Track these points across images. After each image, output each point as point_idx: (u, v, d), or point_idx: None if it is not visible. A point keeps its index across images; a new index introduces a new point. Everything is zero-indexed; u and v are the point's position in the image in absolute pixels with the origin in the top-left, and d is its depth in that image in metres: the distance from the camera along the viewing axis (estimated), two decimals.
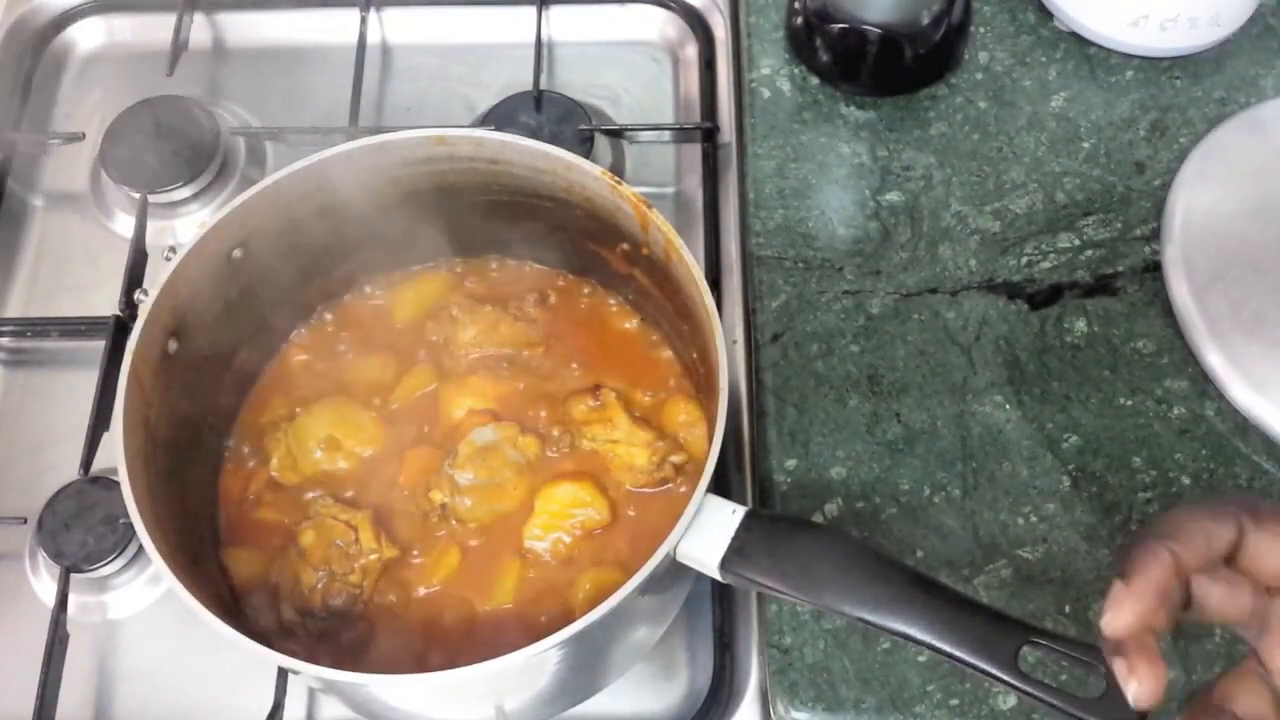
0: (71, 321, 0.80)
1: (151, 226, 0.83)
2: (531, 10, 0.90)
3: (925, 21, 0.81)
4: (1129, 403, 0.74)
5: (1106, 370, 0.75)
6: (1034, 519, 0.70)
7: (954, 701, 0.66)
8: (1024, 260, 0.78)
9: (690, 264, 0.61)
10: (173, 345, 0.63)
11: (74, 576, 0.71)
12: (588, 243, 0.69)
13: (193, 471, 0.65)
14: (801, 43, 0.85)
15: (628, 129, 0.87)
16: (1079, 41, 0.86)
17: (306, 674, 0.55)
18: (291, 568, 0.65)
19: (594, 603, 0.53)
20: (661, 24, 0.93)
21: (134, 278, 0.79)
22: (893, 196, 0.81)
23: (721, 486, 0.71)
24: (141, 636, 0.73)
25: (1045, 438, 0.73)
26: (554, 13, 0.92)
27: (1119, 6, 0.82)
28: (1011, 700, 0.65)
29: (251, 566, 0.65)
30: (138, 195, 0.83)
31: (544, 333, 0.71)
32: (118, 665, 0.72)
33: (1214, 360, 0.73)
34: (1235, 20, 0.83)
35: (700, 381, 0.68)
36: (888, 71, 0.83)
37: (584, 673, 0.64)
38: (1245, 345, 0.73)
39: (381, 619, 0.64)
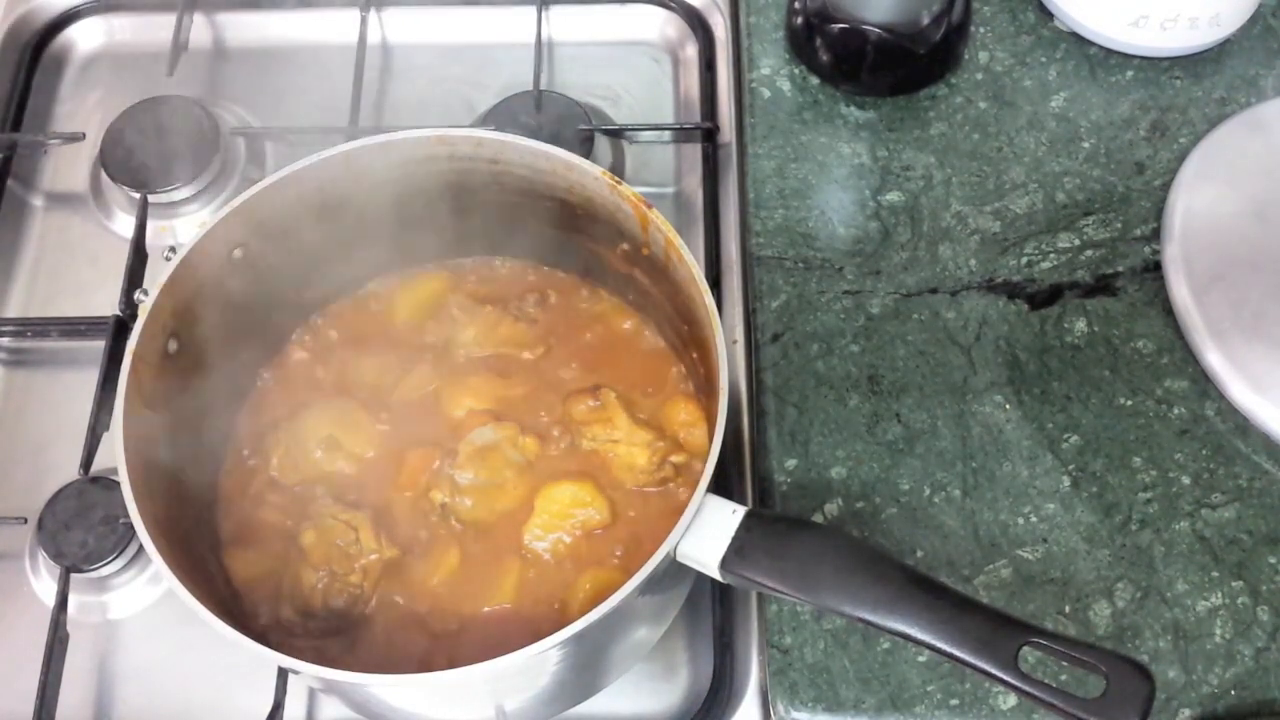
0: (71, 321, 0.80)
1: (151, 226, 0.83)
2: (531, 10, 0.90)
3: (925, 21, 0.81)
4: (1129, 403, 0.74)
5: (1106, 370, 0.75)
6: (1034, 519, 0.70)
7: (954, 701, 0.66)
8: (1024, 260, 0.78)
9: (690, 264, 0.61)
10: (173, 345, 0.63)
11: (74, 576, 0.71)
12: (588, 243, 0.69)
13: (193, 471, 0.65)
14: (801, 43, 0.85)
15: (628, 129, 0.87)
16: (1079, 41, 0.86)
17: (306, 674, 0.55)
18: (292, 568, 0.64)
19: (594, 603, 0.53)
20: (661, 24, 0.93)
21: (134, 278, 0.79)
22: (893, 196, 0.81)
23: (721, 486, 0.71)
24: (141, 636, 0.73)
25: (1045, 438, 0.73)
26: (554, 13, 0.92)
27: (1119, 6, 0.82)
28: (1011, 700, 0.65)
29: (251, 566, 0.65)
30: (138, 195, 0.83)
31: (544, 333, 0.71)
32: (118, 665, 0.72)
33: (1214, 360, 0.73)
34: (1235, 20, 0.83)
35: (700, 381, 0.68)
36: (888, 71, 0.83)
37: (584, 673, 0.64)
38: (1245, 345, 0.73)
39: (382, 619, 0.64)
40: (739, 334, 0.78)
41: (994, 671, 0.52)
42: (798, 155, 0.83)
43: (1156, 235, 0.79)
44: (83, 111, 0.91)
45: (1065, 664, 0.55)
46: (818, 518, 0.71)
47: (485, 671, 0.53)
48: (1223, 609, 0.68)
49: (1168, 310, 0.76)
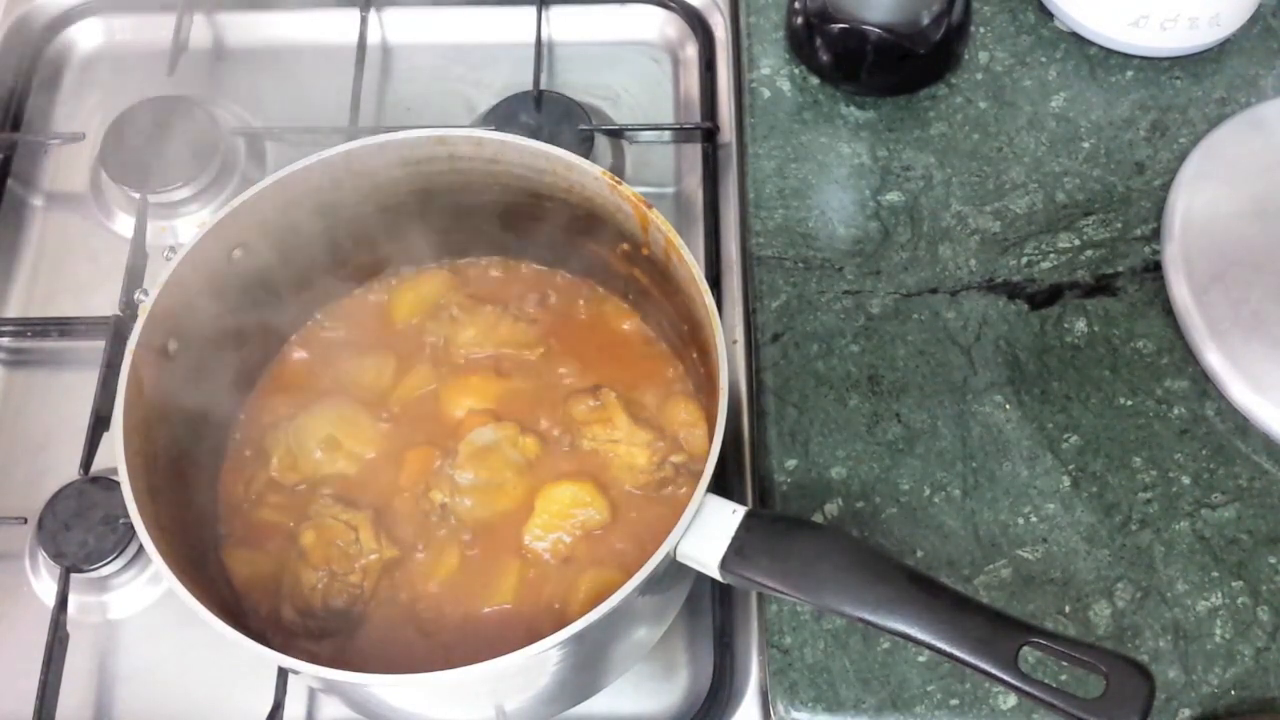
0: (71, 321, 0.80)
1: (151, 226, 0.83)
2: (531, 10, 0.90)
3: (925, 21, 0.81)
4: (1129, 403, 0.74)
5: (1106, 370, 0.75)
6: (1034, 519, 0.70)
7: (954, 701, 0.66)
8: (1024, 260, 0.78)
9: (690, 264, 0.61)
10: (173, 345, 0.63)
11: (74, 576, 0.71)
12: (588, 243, 0.69)
13: (193, 471, 0.65)
14: (801, 43, 0.85)
15: (628, 129, 0.87)
16: (1079, 41, 0.86)
17: (306, 674, 0.55)
18: (292, 568, 0.64)
19: (594, 603, 0.53)
20: (661, 24, 0.93)
21: (134, 278, 0.79)
22: (893, 196, 0.81)
23: (721, 486, 0.71)
24: (141, 636, 0.73)
25: (1045, 438, 0.73)
26: (554, 13, 0.92)
27: (1119, 6, 0.82)
28: (1011, 700, 0.65)
29: (251, 566, 0.65)
30: (138, 195, 0.83)
31: (544, 333, 0.71)
32: (118, 665, 0.72)
33: (1214, 360, 0.73)
34: (1235, 20, 0.83)
35: (700, 381, 0.68)
36: (888, 71, 0.83)
37: (584, 673, 0.64)
38: (1245, 345, 0.73)
39: (382, 619, 0.64)
40: (739, 334, 0.78)
41: (994, 671, 0.52)
42: (798, 155, 0.83)
43: (1156, 235, 0.79)
44: (83, 111, 0.91)
45: (1065, 664, 0.55)
46: (818, 518, 0.71)
47: (485, 671, 0.53)
48: (1223, 609, 0.68)
49: (1168, 310, 0.76)
